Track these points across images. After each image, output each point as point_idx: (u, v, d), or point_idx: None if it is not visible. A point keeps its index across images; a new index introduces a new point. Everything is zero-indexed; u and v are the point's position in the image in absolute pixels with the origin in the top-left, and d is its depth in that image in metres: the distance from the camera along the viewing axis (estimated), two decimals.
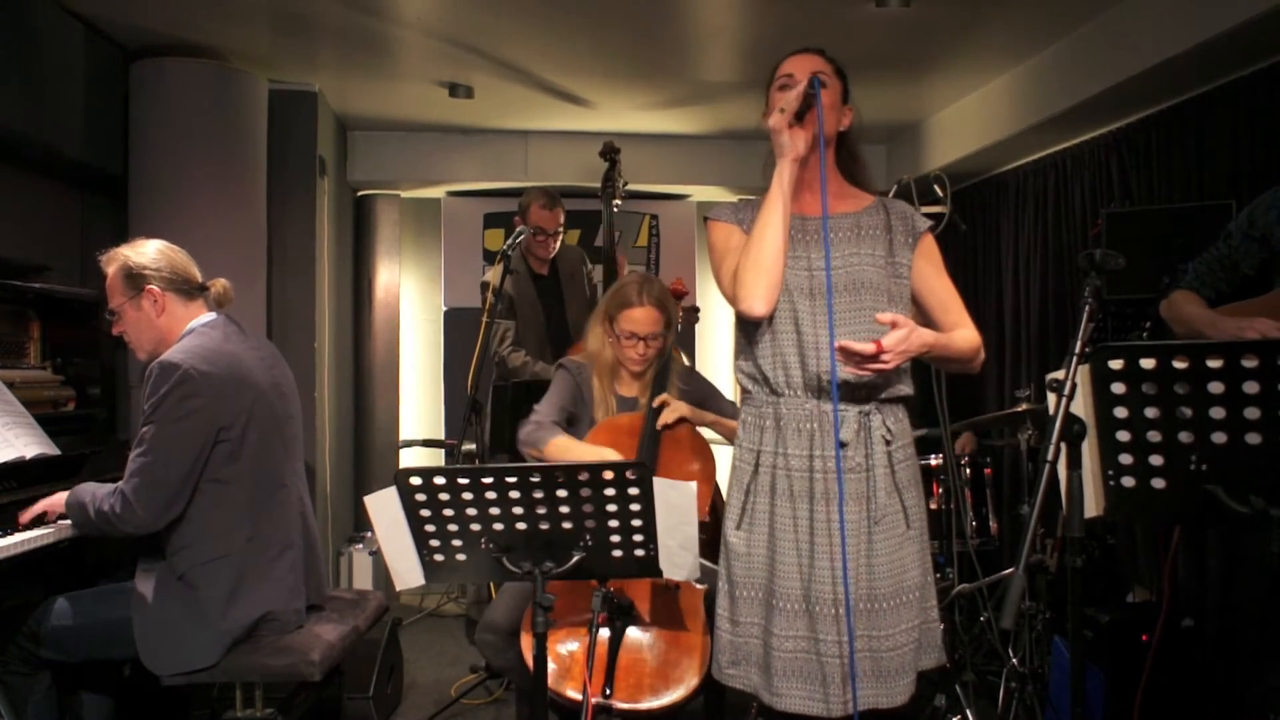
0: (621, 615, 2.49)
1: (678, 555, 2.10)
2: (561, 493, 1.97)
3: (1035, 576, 3.45)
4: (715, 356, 6.21)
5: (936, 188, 3.38)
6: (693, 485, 2.08)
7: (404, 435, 5.80)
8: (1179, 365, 1.73)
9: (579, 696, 2.35)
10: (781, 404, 2.10)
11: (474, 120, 5.31)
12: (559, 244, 4.27)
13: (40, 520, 2.63)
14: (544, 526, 2.02)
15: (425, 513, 2.01)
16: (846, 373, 2.00)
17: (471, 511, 2.00)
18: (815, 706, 2.02)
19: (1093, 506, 1.86)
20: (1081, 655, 1.90)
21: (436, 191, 5.97)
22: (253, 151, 4.16)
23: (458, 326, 5.85)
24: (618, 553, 2.07)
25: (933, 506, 3.56)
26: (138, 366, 2.87)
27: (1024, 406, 3.62)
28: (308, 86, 4.62)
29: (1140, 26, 3.48)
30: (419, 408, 6.12)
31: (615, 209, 4.25)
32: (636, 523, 2.03)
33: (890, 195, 2.62)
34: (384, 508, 2.03)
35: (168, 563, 2.46)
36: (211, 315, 2.63)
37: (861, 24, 3.73)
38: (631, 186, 4.45)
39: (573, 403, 2.94)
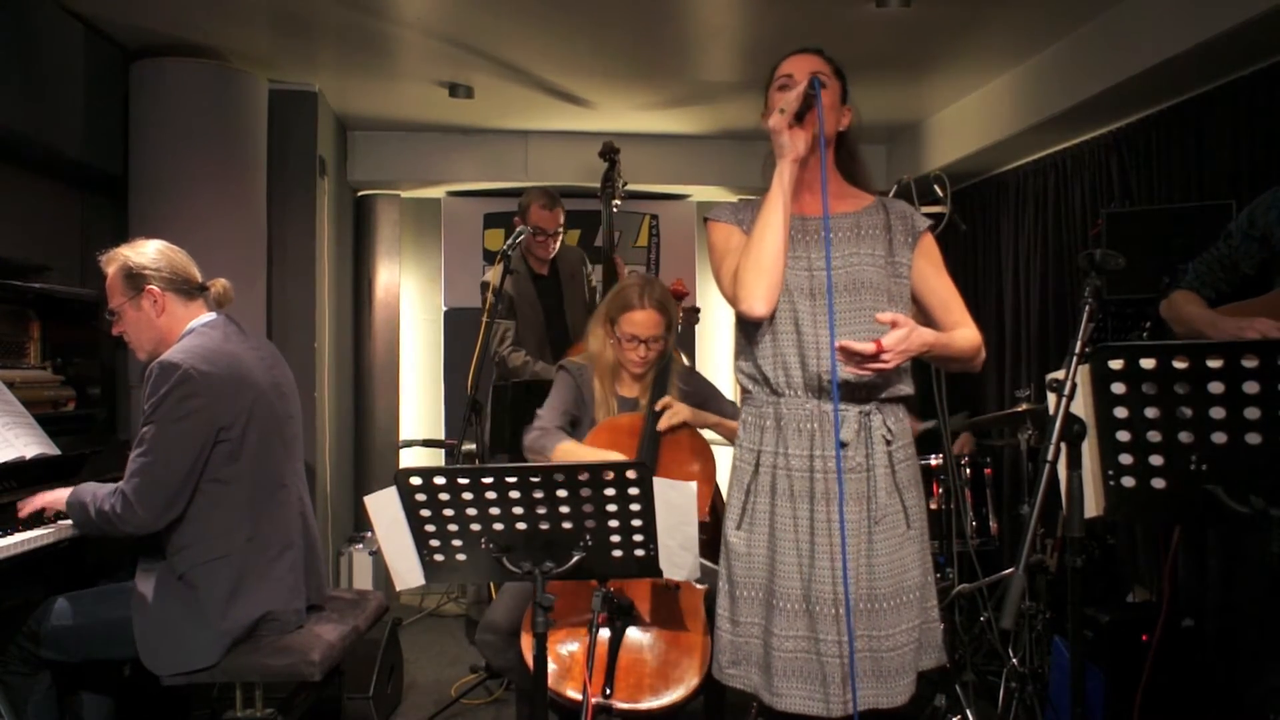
0: (621, 615, 2.49)
1: (678, 555, 2.10)
2: (561, 493, 1.97)
3: (1035, 576, 3.45)
4: (715, 357, 6.21)
5: (936, 188, 3.38)
6: (693, 485, 2.08)
7: (404, 435, 5.80)
8: (1179, 365, 1.73)
9: (579, 696, 2.35)
10: (782, 404, 2.11)
11: (474, 120, 5.31)
12: (559, 244, 4.27)
13: (40, 518, 2.63)
14: (544, 526, 2.02)
15: (425, 513, 2.01)
16: (847, 372, 2.01)
17: (471, 511, 2.00)
18: (815, 706, 2.02)
19: (1093, 506, 1.86)
20: (1081, 655, 1.90)
21: (436, 191, 5.97)
22: (253, 151, 4.16)
23: (458, 326, 5.85)
24: (618, 553, 2.08)
25: (933, 506, 3.55)
26: (138, 366, 2.87)
27: (1024, 406, 3.62)
28: (308, 86, 4.62)
29: (1140, 26, 3.48)
30: (419, 408, 6.11)
31: (615, 209, 4.26)
32: (637, 523, 2.03)
33: (890, 195, 2.62)
34: (384, 508, 2.03)
35: (168, 563, 2.46)
36: (211, 315, 2.63)
37: (861, 24, 3.73)
38: (631, 186, 4.46)
39: (574, 404, 2.94)
